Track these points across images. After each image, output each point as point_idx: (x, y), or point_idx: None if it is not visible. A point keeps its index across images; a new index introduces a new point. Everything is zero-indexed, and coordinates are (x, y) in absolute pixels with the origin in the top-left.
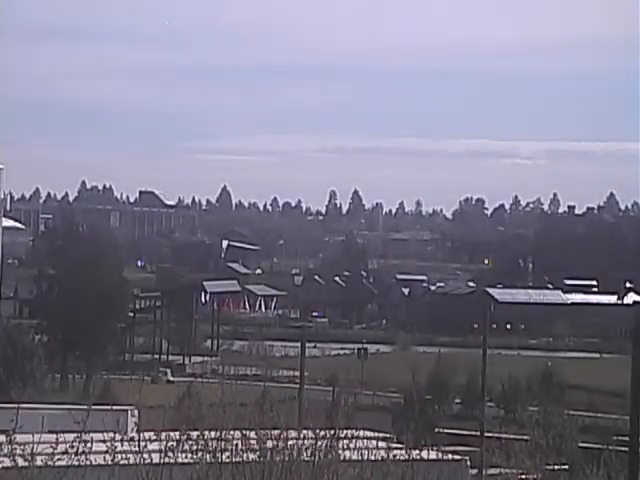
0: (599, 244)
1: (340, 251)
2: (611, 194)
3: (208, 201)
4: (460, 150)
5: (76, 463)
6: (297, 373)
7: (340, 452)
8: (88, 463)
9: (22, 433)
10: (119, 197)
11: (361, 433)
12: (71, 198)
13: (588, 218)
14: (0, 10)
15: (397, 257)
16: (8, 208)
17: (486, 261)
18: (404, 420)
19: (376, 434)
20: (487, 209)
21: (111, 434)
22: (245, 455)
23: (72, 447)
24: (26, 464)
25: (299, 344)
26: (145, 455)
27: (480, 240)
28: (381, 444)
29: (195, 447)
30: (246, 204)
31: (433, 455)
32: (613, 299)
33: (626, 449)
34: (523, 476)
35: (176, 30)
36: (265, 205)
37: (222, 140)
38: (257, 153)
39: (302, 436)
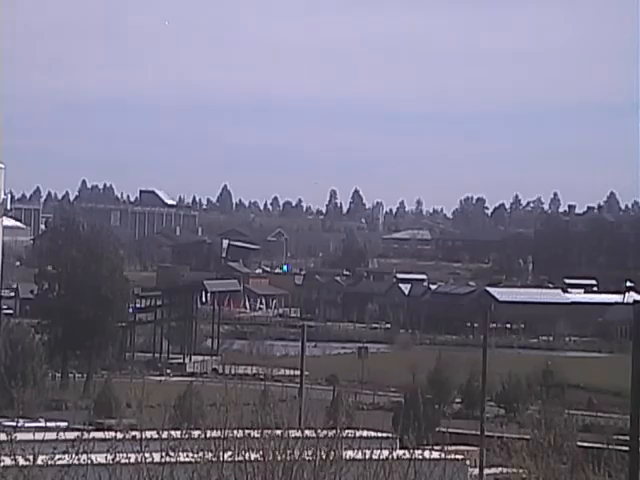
0: (599, 243)
1: (340, 250)
2: (611, 193)
3: (209, 200)
4: None
5: (77, 462)
6: (298, 372)
7: (341, 451)
8: (89, 462)
9: (23, 432)
10: (120, 196)
11: (362, 433)
12: (72, 197)
13: (588, 217)
14: None
15: (397, 256)
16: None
17: (486, 260)
18: (404, 419)
19: (376, 433)
20: (487, 208)
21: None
22: (246, 455)
23: (73, 446)
24: (27, 463)
25: (299, 343)
26: (146, 454)
27: (480, 239)
28: (381, 443)
29: (196, 446)
30: (246, 203)
31: (433, 454)
32: (613, 298)
33: (626, 448)
34: (524, 475)
35: None
36: (265, 204)
37: None
38: None
39: (303, 435)
